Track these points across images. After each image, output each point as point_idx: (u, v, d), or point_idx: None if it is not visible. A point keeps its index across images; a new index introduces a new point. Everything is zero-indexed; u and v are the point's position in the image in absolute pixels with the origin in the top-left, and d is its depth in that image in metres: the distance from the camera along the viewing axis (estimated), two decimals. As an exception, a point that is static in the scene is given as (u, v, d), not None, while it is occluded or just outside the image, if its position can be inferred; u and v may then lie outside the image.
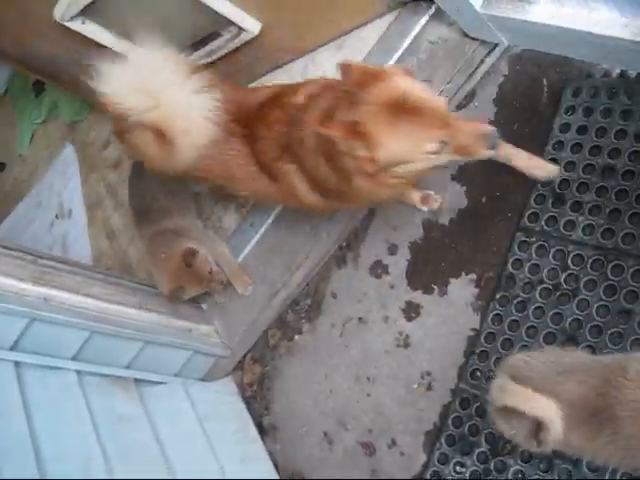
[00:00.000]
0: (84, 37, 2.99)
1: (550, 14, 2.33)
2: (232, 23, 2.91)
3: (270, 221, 3.09)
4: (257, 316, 3.07)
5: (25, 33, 3.10)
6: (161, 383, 2.99)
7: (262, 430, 3.07)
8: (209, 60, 3.15)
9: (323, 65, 3.20)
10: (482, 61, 2.86)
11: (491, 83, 2.90)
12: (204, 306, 3.19)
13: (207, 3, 2.74)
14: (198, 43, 3.11)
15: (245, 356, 3.23)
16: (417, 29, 2.89)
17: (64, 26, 2.89)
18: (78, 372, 2.70)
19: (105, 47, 3.05)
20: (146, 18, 2.93)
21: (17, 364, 2.53)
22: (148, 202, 3.17)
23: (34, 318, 2.51)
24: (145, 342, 2.84)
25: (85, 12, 2.84)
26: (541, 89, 2.77)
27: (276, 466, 2.94)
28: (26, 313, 2.48)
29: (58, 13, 2.83)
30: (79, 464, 2.40)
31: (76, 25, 2.90)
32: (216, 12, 2.80)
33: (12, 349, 2.54)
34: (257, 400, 3.16)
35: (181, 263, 2.86)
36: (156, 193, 3.14)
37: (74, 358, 2.71)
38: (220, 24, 2.94)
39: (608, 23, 2.16)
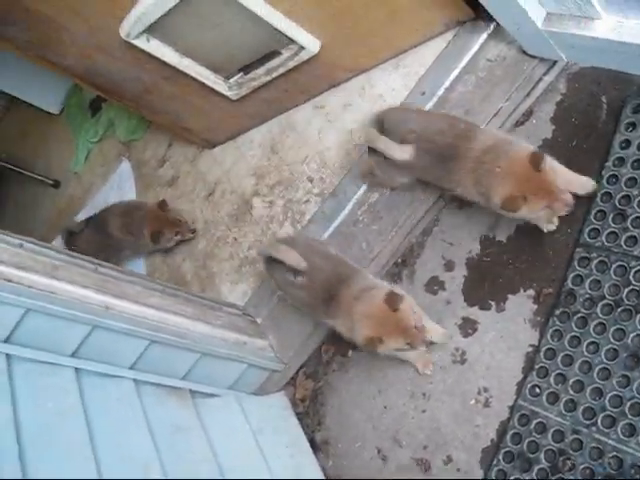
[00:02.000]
0: (148, 54, 3.07)
1: (612, 28, 2.34)
2: (292, 41, 2.96)
3: (326, 236, 3.11)
4: (311, 331, 3.07)
5: (91, 49, 3.19)
6: (215, 395, 3.01)
7: (314, 446, 3.05)
8: (268, 78, 3.20)
9: (378, 84, 3.24)
10: (540, 79, 2.87)
11: (549, 101, 2.91)
12: (259, 320, 3.21)
13: (270, 21, 2.80)
14: (257, 61, 3.17)
15: (298, 372, 3.23)
16: (475, 48, 2.92)
17: (129, 43, 2.97)
18: (135, 381, 2.73)
19: (168, 64, 3.13)
20: (209, 36, 3.01)
21: (78, 370, 2.57)
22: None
23: (95, 325, 2.56)
24: (202, 354, 2.86)
25: (150, 30, 2.92)
26: (600, 106, 2.76)
27: (329, 482, 2.93)
28: (88, 320, 2.52)
29: (124, 30, 2.91)
30: (137, 472, 2.42)
31: (141, 42, 2.98)
32: (277, 30, 2.87)
33: (73, 355, 2.59)
34: (309, 416, 3.16)
35: (381, 309, 2.47)
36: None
37: (132, 367, 2.75)
38: (280, 42, 3.00)
39: (673, 36, 2.16)
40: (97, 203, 4.82)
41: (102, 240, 4.13)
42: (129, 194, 4.54)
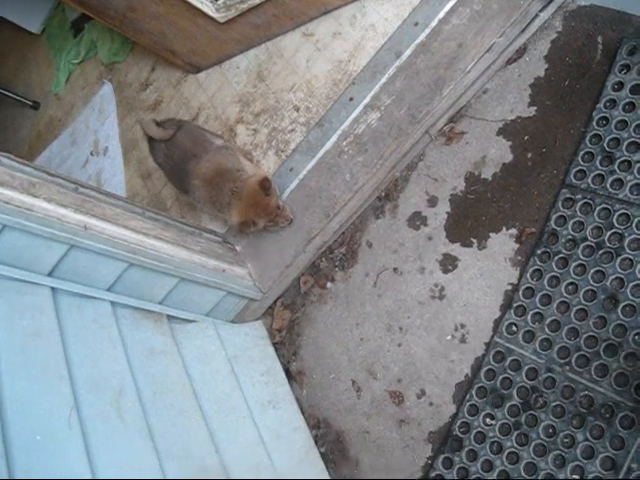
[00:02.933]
0: (133, -31, 2.97)
1: (616, -36, 2.28)
2: (283, -38, 2.87)
3: (310, 167, 3.07)
4: (291, 261, 3.05)
5: (74, -37, 3.09)
6: (192, 321, 3.00)
7: (289, 375, 3.07)
8: (257, 1, 3.11)
9: (371, 14, 3.16)
10: (536, 15, 2.82)
11: (544, 39, 2.86)
12: (238, 248, 3.19)
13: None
14: (246, -17, 3.07)
15: (276, 302, 3.23)
16: (472, -22, 2.84)
17: (113, -43, 2.87)
18: (113, 303, 2.71)
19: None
20: (197, -46, 2.90)
21: (54, 290, 2.54)
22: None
23: (73, 245, 2.51)
24: (180, 279, 2.84)
25: (136, -57, 2.82)
26: (595, 46, 2.72)
27: (302, 411, 2.95)
28: (66, 239, 2.47)
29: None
30: (111, 393, 2.42)
31: (126, -44, 2.88)
32: (268, -51, 2.77)
33: (50, 275, 2.55)
34: (285, 346, 3.17)
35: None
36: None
37: (110, 289, 2.72)
38: (270, -37, 2.91)
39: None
40: (78, 125, 4.74)
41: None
42: (111, 116, 4.44)
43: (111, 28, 3.72)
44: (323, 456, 2.84)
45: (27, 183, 2.48)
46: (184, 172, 3.08)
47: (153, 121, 3.22)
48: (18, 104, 5.81)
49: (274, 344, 3.17)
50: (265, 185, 2.82)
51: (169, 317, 2.91)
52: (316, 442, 2.87)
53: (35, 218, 2.37)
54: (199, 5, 3.18)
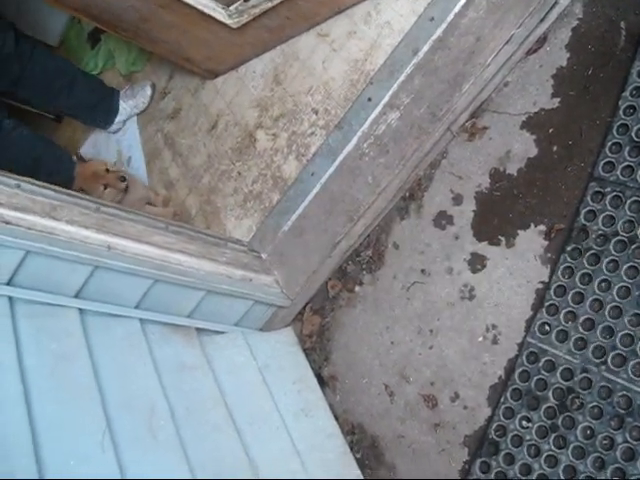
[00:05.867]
0: (144, -18, 2.95)
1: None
2: (293, -36, 2.83)
3: (332, 170, 3.02)
4: (317, 267, 3.01)
5: (84, -22, 3.07)
6: (221, 332, 2.99)
7: (321, 381, 3.05)
8: (269, 5, 3.07)
9: (385, 11, 3.10)
10: (555, 3, 2.74)
11: (564, 27, 2.78)
12: (264, 256, 3.16)
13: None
14: (259, -13, 3.04)
15: (304, 307, 3.20)
16: (487, -31, 2.77)
17: (124, -30, 2.85)
18: (141, 320, 2.71)
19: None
20: (207, -38, 2.88)
21: (81, 311, 2.55)
22: None
23: (97, 265, 2.51)
24: (207, 291, 2.83)
25: (147, -46, 2.80)
26: (618, 32, 2.64)
27: (336, 417, 2.93)
28: (90, 260, 2.48)
29: (118, -44, 2.79)
30: (144, 411, 2.42)
31: (136, -31, 2.86)
32: (278, -48, 2.73)
33: (76, 296, 2.56)
34: (316, 351, 3.15)
35: None
36: None
37: (137, 306, 2.72)
38: (281, -34, 2.87)
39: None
40: (99, 136, 4.76)
41: None
42: (132, 127, 4.45)
43: (126, 40, 3.72)
44: (359, 462, 2.81)
45: (49, 207, 2.48)
46: None
47: None
48: (40, 118, 5.84)
49: (305, 350, 3.14)
50: None
51: (198, 330, 2.90)
52: (351, 448, 2.85)
53: (58, 242, 2.37)
54: (211, 12, 3.15)
